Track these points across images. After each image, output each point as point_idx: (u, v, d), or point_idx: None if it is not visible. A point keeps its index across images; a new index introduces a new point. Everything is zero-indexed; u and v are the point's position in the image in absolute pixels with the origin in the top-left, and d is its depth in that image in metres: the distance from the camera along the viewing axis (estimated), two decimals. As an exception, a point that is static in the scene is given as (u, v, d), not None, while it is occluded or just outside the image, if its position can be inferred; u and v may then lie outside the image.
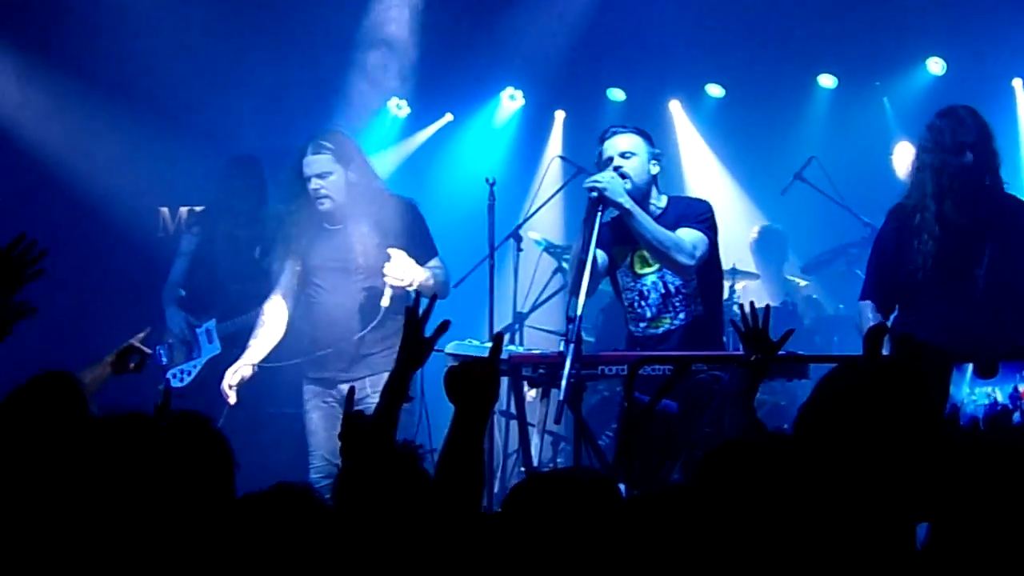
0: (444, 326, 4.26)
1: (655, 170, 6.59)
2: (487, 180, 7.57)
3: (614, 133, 6.60)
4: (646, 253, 6.49)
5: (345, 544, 3.22)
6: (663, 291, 6.52)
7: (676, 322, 6.51)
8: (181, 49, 8.66)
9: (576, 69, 11.04)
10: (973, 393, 4.48)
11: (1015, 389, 4.56)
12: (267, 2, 9.20)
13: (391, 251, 6.76)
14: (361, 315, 6.88)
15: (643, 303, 6.56)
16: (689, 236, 6.39)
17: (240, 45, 8.92)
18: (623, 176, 6.41)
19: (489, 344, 6.31)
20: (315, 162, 6.84)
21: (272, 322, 7.06)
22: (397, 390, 4.18)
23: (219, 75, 8.85)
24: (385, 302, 6.78)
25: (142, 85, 8.79)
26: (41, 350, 6.22)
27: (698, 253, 6.37)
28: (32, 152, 8.89)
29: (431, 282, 6.87)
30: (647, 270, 6.54)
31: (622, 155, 6.50)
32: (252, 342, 7.06)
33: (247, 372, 6.93)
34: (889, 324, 6.30)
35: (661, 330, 6.53)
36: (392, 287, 6.76)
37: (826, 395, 3.25)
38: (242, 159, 8.12)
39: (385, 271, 6.75)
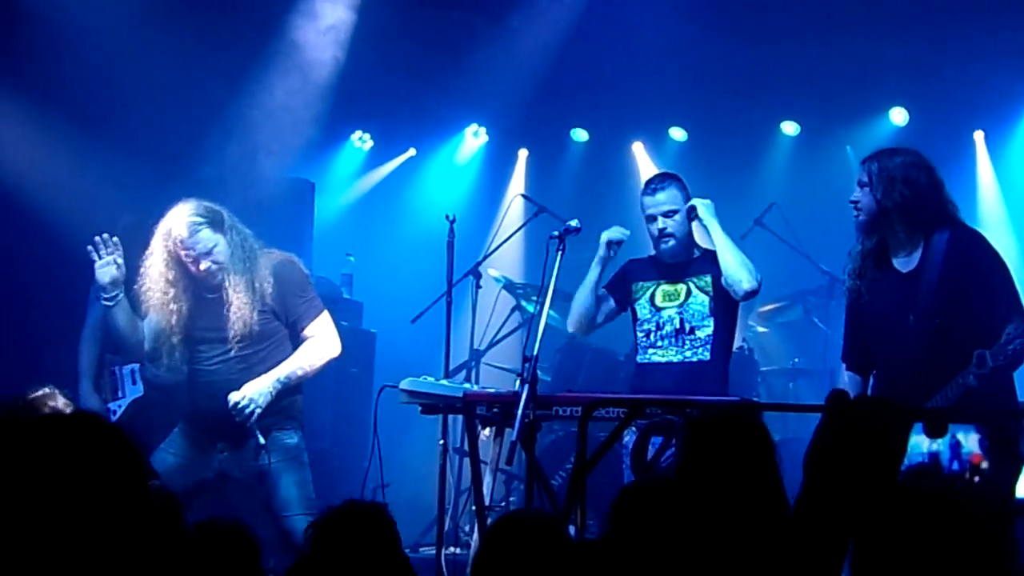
0: None
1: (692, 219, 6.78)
2: (447, 217, 7.50)
3: (654, 191, 6.77)
4: (668, 288, 6.72)
5: None
6: (678, 326, 6.68)
7: (680, 357, 6.64)
8: (146, 72, 8.51)
9: (541, 108, 11.07)
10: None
11: (953, 436, 4.50)
12: (236, 32, 9.12)
13: (231, 395, 6.56)
14: (240, 385, 6.60)
15: (658, 333, 6.72)
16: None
17: (206, 70, 8.80)
18: (669, 234, 6.67)
19: (445, 382, 6.33)
20: (200, 241, 6.56)
21: None
22: None
23: (184, 100, 8.71)
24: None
25: (107, 108, 8.59)
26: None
27: (756, 281, 6.60)
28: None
29: (300, 371, 6.70)
30: (669, 304, 6.71)
31: (665, 215, 6.70)
32: None
33: None
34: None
35: (664, 360, 6.66)
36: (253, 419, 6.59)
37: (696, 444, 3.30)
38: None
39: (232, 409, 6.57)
